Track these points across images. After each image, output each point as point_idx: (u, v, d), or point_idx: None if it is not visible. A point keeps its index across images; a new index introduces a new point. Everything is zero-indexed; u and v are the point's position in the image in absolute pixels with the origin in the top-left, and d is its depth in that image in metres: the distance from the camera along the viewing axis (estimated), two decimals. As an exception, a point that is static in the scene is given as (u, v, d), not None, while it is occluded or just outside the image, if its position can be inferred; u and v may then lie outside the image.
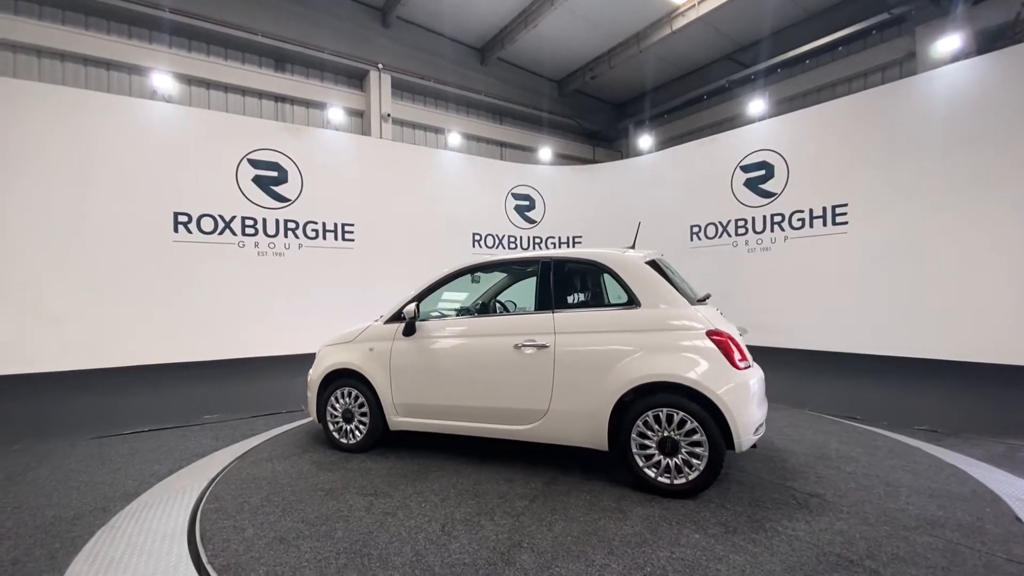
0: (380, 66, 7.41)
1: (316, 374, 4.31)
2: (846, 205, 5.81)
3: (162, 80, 6.10)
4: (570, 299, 3.60)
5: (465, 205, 7.82)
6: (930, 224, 5.19)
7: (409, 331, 3.92)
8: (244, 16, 6.60)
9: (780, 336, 6.24)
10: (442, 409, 3.78)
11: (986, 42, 5.82)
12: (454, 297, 4.43)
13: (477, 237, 7.92)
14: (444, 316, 4.06)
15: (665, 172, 7.85)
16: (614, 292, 3.79)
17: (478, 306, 4.13)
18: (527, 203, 8.45)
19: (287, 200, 6.39)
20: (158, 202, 5.62)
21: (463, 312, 4.14)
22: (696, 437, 2.97)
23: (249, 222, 6.13)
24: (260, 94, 6.96)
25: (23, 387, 4.89)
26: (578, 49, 8.32)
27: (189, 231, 5.80)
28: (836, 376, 5.82)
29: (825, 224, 5.98)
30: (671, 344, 3.06)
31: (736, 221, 6.86)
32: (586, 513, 2.87)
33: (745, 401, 2.96)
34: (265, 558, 2.42)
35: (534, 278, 3.70)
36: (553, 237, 8.52)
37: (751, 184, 6.72)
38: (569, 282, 3.64)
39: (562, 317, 3.40)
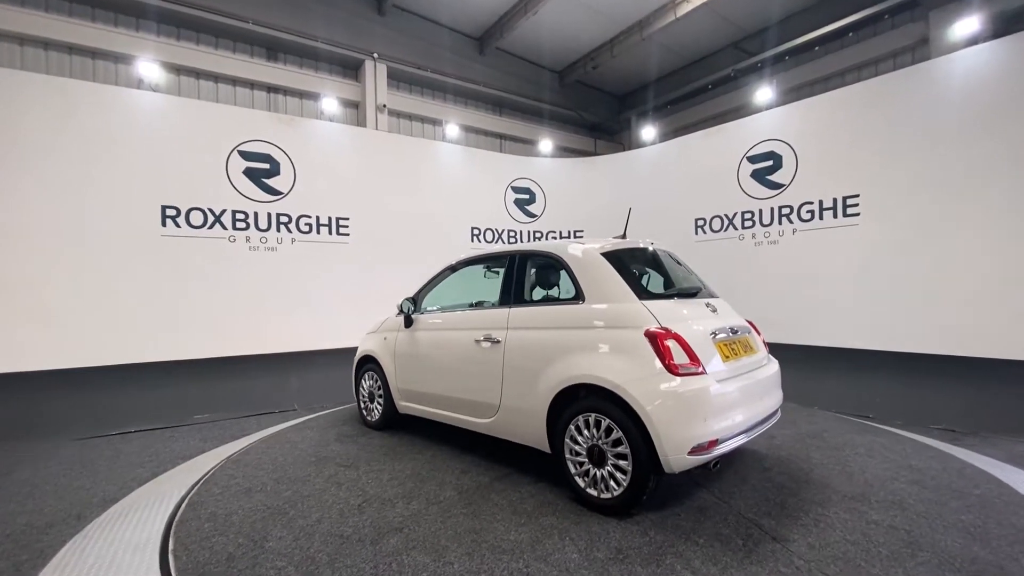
0: (375, 56, 7.20)
1: (356, 359, 4.92)
2: (857, 196, 5.60)
3: (148, 69, 5.90)
4: (534, 294, 3.46)
5: (464, 198, 7.62)
6: (946, 215, 4.97)
7: (408, 323, 4.28)
8: (235, 3, 6.39)
9: (789, 331, 6.05)
10: (427, 397, 4.04)
11: (1004, 25, 5.58)
12: (457, 292, 4.32)
13: (476, 231, 7.73)
14: (436, 311, 4.25)
15: (669, 164, 7.64)
16: (568, 287, 3.64)
17: (472, 301, 4.00)
18: (527, 196, 8.25)
19: (279, 193, 6.20)
20: (145, 195, 5.44)
21: (456, 307, 4.06)
22: (621, 449, 2.65)
23: (240, 216, 5.95)
24: (252, 84, 6.77)
25: (6, 386, 4.72)
26: (579, 37, 8.09)
27: (178, 225, 5.62)
28: (848, 373, 5.62)
29: (836, 216, 5.77)
30: (606, 342, 2.77)
31: (743, 214, 6.65)
32: (495, 512, 2.81)
33: (676, 412, 2.49)
34: (238, 568, 2.24)
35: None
36: (554, 231, 8.32)
37: (758, 175, 6.51)
38: (531, 277, 3.49)
39: (516, 313, 3.35)
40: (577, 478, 2.85)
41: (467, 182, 7.69)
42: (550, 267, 3.39)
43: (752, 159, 6.57)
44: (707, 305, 3.15)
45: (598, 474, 2.76)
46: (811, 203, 6.00)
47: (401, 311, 4.36)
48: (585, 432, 2.80)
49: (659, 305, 2.86)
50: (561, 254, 3.24)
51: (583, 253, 3.15)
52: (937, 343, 4.97)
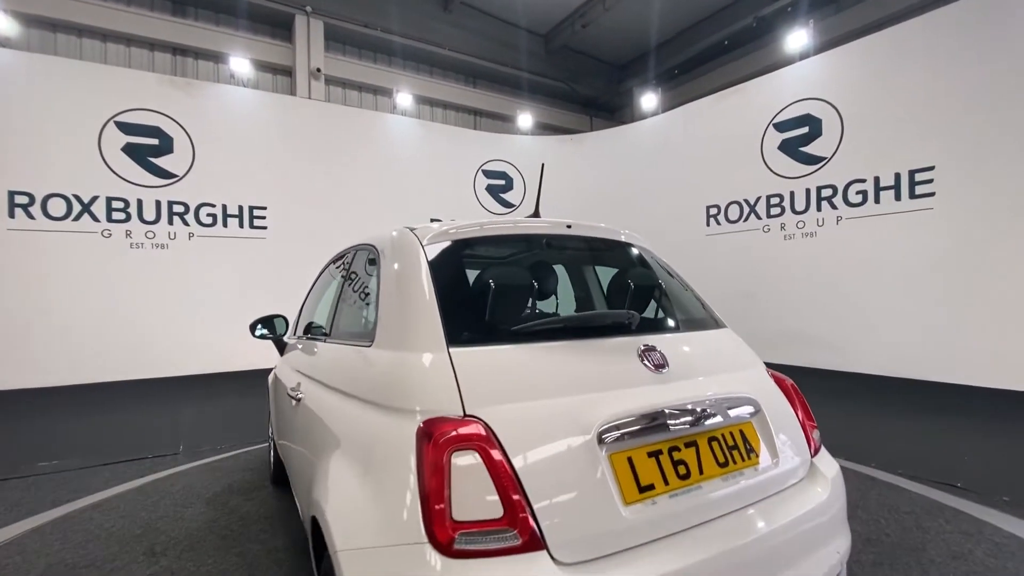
0: (308, 9, 5.88)
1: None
2: (931, 169, 4.02)
3: None
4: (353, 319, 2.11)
5: (421, 185, 6.24)
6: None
7: (280, 350, 3.45)
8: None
9: (829, 354, 4.50)
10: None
11: None
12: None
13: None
14: (301, 337, 3.00)
15: (674, 138, 6.13)
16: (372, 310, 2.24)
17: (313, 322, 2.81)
18: (502, 182, 6.83)
19: (172, 176, 4.93)
20: (-16, 178, 4.23)
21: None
22: None
23: (118, 204, 4.70)
24: (152, 44, 5.52)
25: None
26: (565, -12, 6.63)
27: (31, 216, 4.39)
28: (920, 415, 4.04)
29: (899, 197, 4.20)
30: (366, 440, 1.39)
31: (768, 198, 5.11)
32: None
33: None
34: None
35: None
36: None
37: (789, 147, 4.96)
38: (353, 288, 2.17)
39: (323, 351, 2.17)
40: None
41: (426, 164, 6.32)
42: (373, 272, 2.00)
43: (781, 126, 5.02)
44: (645, 353, 1.51)
45: None
46: (862, 181, 4.43)
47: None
48: None
49: (492, 357, 1.38)
50: (380, 247, 1.87)
51: (393, 245, 1.76)
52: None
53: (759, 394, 1.62)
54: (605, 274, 2.45)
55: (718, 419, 1.44)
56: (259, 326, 3.27)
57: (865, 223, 4.40)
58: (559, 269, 2.14)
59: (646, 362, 1.48)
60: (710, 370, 1.64)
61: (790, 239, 4.93)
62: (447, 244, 1.65)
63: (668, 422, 1.35)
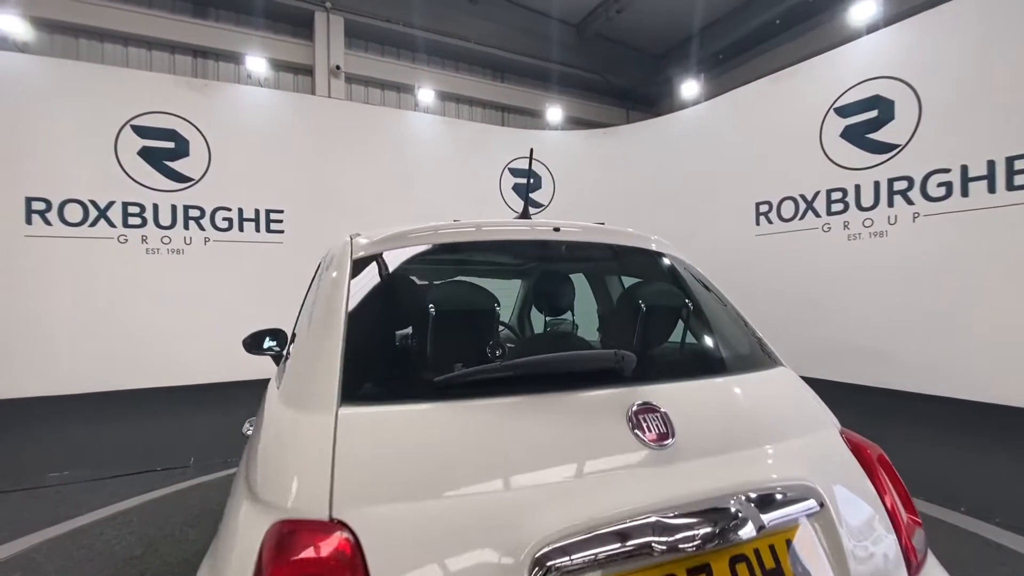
0: (328, 4, 5.67)
1: None
2: (1038, 155, 3.35)
3: (9, 22, 4.67)
4: None
5: (444, 185, 5.94)
6: None
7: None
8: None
9: (905, 374, 3.88)
10: None
11: None
12: None
13: (460, 226, 6.02)
14: None
15: (719, 127, 5.57)
16: None
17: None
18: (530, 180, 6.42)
19: (188, 180, 4.81)
20: (3, 184, 4.21)
21: None
22: None
23: (134, 209, 4.61)
24: (173, 47, 5.45)
25: None
26: (598, -28, 6.18)
27: (48, 222, 4.35)
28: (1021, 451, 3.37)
29: (993, 190, 3.54)
30: (222, 538, 0.95)
31: (828, 193, 4.50)
32: None
33: None
34: None
35: None
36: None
37: (853, 134, 4.34)
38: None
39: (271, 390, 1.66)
40: None
41: (449, 164, 6.01)
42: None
43: (843, 111, 4.41)
44: (640, 415, 0.99)
45: None
46: (945, 171, 3.79)
47: None
48: None
49: (396, 422, 0.93)
50: (323, 258, 1.53)
51: (327, 257, 1.39)
52: None
53: (826, 477, 1.05)
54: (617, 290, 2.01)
55: (749, 528, 0.88)
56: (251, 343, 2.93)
57: (949, 220, 3.75)
58: (546, 286, 1.70)
59: (640, 431, 0.96)
60: (745, 439, 1.07)
61: (855, 239, 4.31)
62: (383, 255, 1.24)
63: (661, 539, 0.83)
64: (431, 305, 1.04)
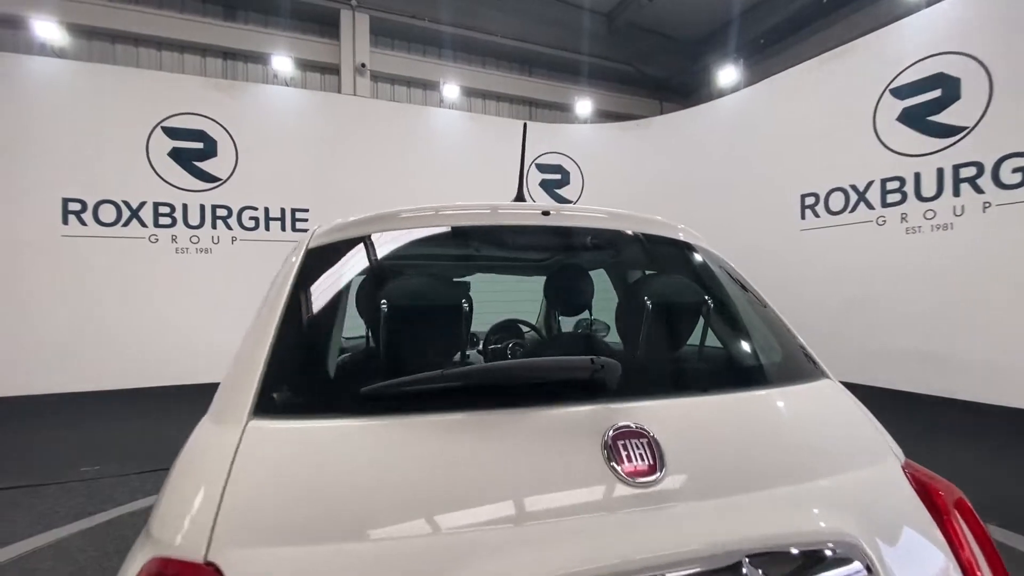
0: (354, 2, 5.64)
1: None
2: None
3: (47, 29, 4.81)
4: None
5: (468, 181, 5.81)
6: None
7: None
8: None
9: (975, 382, 3.49)
10: None
11: None
12: None
13: (486, 224, 5.89)
14: None
15: (759, 116, 5.23)
16: None
17: None
18: (557, 176, 6.23)
19: (216, 180, 4.86)
20: (42, 186, 4.35)
21: None
22: None
23: (164, 209, 4.69)
24: (204, 50, 5.55)
25: None
26: (629, -42, 5.92)
27: (83, 222, 4.47)
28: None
29: (1081, 174, 3.12)
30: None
31: (883, 183, 4.12)
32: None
33: None
34: None
35: None
36: (596, 222, 6.22)
37: (913, 117, 3.95)
38: None
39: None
40: None
41: (473, 159, 5.88)
42: None
43: (900, 92, 4.03)
44: (618, 441, 0.73)
45: None
46: (1020, 155, 3.37)
47: None
48: None
49: (311, 441, 0.72)
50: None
51: (291, 250, 1.12)
52: None
53: (878, 530, 0.74)
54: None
55: None
56: None
57: (1027, 210, 3.34)
58: (536, 281, 1.49)
59: (616, 461, 0.72)
60: (766, 475, 0.78)
61: (914, 232, 3.92)
62: (340, 245, 1.05)
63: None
64: (383, 301, 0.87)
